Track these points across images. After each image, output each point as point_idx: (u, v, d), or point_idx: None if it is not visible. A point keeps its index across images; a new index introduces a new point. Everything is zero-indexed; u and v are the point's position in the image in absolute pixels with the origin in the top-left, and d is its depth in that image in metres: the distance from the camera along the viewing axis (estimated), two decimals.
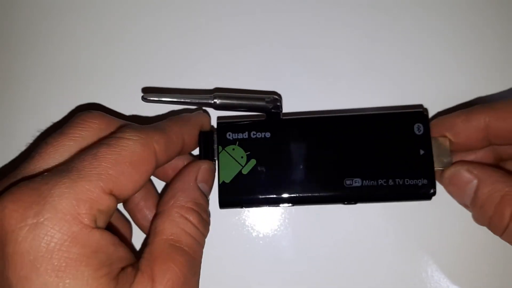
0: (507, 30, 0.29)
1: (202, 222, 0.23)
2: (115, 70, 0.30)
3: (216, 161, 0.25)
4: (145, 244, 0.22)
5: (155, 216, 0.23)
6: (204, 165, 0.25)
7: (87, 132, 0.22)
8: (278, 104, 0.25)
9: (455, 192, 0.24)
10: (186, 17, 0.30)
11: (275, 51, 0.29)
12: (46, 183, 0.19)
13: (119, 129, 0.22)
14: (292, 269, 0.28)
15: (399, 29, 0.29)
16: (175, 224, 0.22)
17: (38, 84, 0.30)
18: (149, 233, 0.22)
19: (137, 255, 0.21)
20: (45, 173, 0.20)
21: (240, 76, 0.29)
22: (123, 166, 0.20)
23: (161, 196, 0.24)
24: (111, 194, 0.20)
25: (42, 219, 0.18)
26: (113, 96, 0.29)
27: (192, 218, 0.22)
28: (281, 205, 0.26)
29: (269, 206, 0.27)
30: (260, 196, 0.25)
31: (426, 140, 0.24)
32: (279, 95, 0.28)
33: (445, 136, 0.25)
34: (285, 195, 0.25)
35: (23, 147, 0.29)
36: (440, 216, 0.28)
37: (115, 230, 0.26)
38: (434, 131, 0.25)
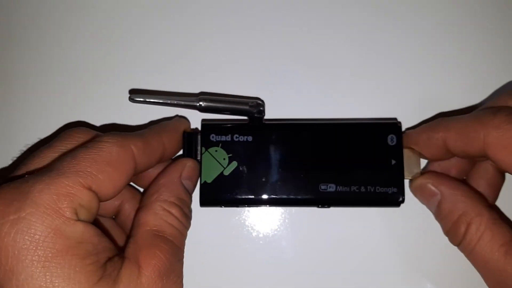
0: (492, 41, 0.30)
1: (184, 216, 0.24)
2: (102, 78, 0.30)
3: (199, 160, 0.26)
4: (128, 237, 0.23)
5: (138, 210, 0.23)
6: (189, 163, 0.26)
7: (72, 145, 0.22)
8: (261, 108, 0.26)
9: (422, 201, 0.26)
10: (174, 20, 0.31)
11: (258, 61, 0.30)
12: (27, 181, 0.19)
13: (97, 135, 0.23)
14: (292, 269, 0.29)
15: (386, 37, 0.30)
16: (158, 217, 0.23)
17: (26, 98, 0.30)
18: (132, 225, 0.23)
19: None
20: (26, 175, 0.20)
21: (227, 84, 0.30)
22: (101, 164, 0.21)
23: (145, 191, 0.25)
24: (91, 190, 0.20)
25: (24, 214, 0.18)
26: (101, 103, 0.30)
27: (175, 211, 0.23)
28: (259, 206, 0.27)
29: (247, 206, 0.28)
30: (239, 197, 0.26)
31: (398, 151, 0.26)
32: (262, 101, 0.29)
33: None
34: (263, 197, 0.26)
35: (9, 162, 0.29)
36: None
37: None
38: (405, 143, 0.26)
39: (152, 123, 0.30)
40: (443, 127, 0.24)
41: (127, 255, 0.21)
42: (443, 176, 0.26)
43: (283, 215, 0.29)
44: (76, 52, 0.31)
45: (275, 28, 0.31)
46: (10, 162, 0.29)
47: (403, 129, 0.28)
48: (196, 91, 0.30)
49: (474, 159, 0.26)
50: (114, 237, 0.26)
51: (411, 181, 0.26)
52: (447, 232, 0.24)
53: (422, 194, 0.25)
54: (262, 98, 0.30)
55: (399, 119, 0.29)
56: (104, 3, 0.31)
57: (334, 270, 0.29)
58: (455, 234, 0.23)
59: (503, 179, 0.26)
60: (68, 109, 0.30)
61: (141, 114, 0.30)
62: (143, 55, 0.31)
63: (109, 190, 0.21)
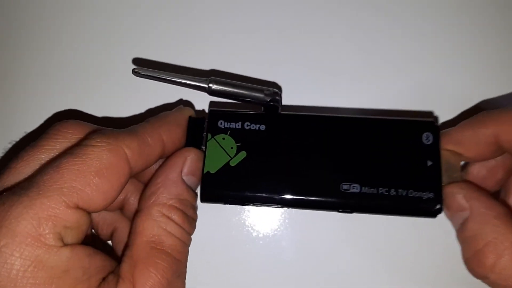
0: (492, 41, 0.29)
1: (187, 220, 0.21)
2: (93, 60, 0.28)
3: (204, 150, 0.23)
4: (126, 244, 0.21)
5: (136, 214, 0.21)
6: (190, 155, 0.22)
7: (62, 143, 0.20)
8: (278, 98, 0.23)
9: (446, 213, 0.22)
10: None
11: (280, 40, 0.28)
12: (3, 203, 0.17)
13: (87, 136, 0.20)
14: (292, 269, 0.28)
15: (406, 28, 0.29)
16: (156, 224, 0.20)
17: (11, 89, 0.28)
18: (130, 232, 0.21)
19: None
20: (4, 193, 0.18)
21: (239, 62, 0.28)
22: (88, 176, 0.18)
23: (143, 190, 0.22)
24: (78, 208, 0.18)
25: None
26: (93, 88, 0.28)
27: (175, 216, 0.21)
28: (269, 206, 0.23)
29: (256, 205, 0.24)
30: (247, 194, 0.22)
31: (434, 150, 0.22)
32: (280, 88, 0.26)
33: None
34: (274, 196, 0.22)
35: None
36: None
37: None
38: (442, 143, 0.23)
39: (150, 112, 0.27)
40: (494, 120, 0.21)
41: (122, 273, 0.19)
42: (480, 190, 0.22)
43: (283, 215, 0.28)
44: (65, 38, 0.29)
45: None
46: None
47: None
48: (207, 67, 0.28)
49: None
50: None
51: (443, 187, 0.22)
52: (467, 259, 0.20)
53: (449, 205, 0.22)
54: (278, 81, 0.27)
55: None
56: None
57: (334, 271, 0.28)
58: (478, 264, 0.20)
59: None
60: (57, 97, 0.28)
61: (138, 99, 0.27)
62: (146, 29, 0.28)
63: (99, 203, 0.19)
